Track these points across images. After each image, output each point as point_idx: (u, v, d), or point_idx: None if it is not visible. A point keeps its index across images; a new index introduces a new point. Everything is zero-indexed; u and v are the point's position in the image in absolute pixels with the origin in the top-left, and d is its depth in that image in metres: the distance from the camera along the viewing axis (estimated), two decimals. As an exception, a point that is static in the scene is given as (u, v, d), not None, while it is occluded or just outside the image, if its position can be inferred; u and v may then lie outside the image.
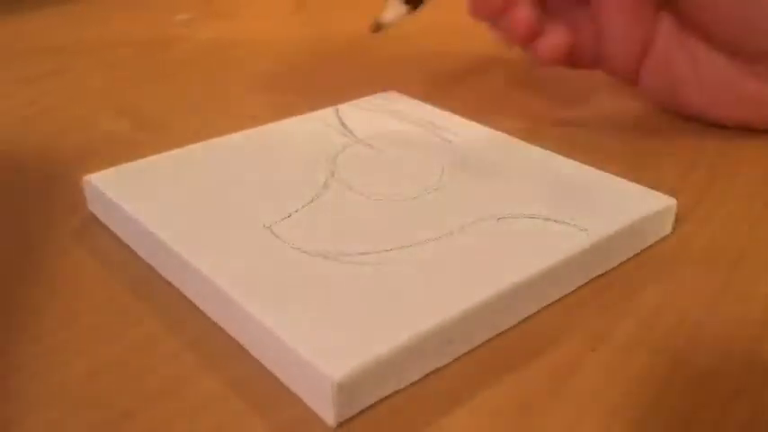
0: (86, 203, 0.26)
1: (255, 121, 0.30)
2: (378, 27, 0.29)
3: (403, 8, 0.29)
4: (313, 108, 0.31)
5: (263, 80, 0.40)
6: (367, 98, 0.33)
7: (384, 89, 0.34)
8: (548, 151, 0.28)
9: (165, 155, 0.27)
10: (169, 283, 0.23)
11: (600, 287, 0.22)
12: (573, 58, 0.32)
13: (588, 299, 0.22)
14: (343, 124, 0.30)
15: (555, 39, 0.30)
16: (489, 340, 0.20)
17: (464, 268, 0.21)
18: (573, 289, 0.22)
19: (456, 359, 0.20)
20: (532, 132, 0.31)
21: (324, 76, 0.40)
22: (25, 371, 0.19)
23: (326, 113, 0.31)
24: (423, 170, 0.27)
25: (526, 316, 0.21)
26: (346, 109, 0.31)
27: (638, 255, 0.24)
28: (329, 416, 0.17)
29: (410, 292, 0.20)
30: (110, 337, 0.21)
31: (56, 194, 0.28)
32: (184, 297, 0.22)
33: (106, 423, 0.18)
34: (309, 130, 0.30)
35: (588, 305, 0.22)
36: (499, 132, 0.30)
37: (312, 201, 0.24)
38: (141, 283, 0.23)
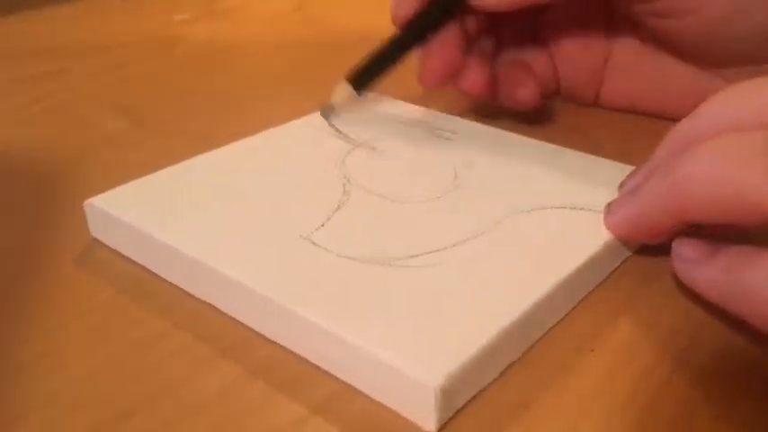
0: (89, 229, 0.25)
1: (256, 121, 0.30)
2: (324, 112, 0.31)
3: (347, 90, 0.30)
4: (313, 108, 0.31)
5: (263, 80, 0.40)
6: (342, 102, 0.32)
7: (384, 89, 0.33)
8: (549, 144, 0.28)
9: (164, 171, 0.26)
10: (174, 285, 0.23)
11: (600, 287, 0.22)
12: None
13: (588, 298, 0.22)
14: (334, 128, 0.30)
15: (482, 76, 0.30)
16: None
17: (520, 260, 0.21)
18: (617, 265, 0.23)
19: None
20: (524, 128, 0.31)
21: (324, 76, 0.40)
22: (25, 371, 0.19)
23: (313, 118, 0.31)
24: (434, 170, 0.27)
25: (584, 296, 0.22)
26: (333, 112, 0.31)
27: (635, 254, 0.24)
28: (430, 422, 0.17)
29: (478, 290, 0.20)
30: (109, 337, 0.21)
31: (56, 195, 0.28)
32: (186, 301, 0.22)
33: (106, 422, 0.18)
34: (304, 136, 0.29)
35: (588, 305, 0.22)
36: (494, 128, 0.30)
37: (339, 208, 0.24)
38: (142, 286, 0.23)
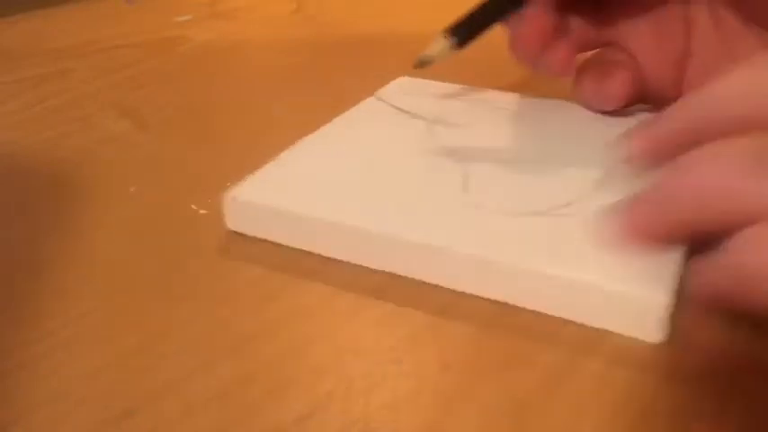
0: (225, 223, 0.25)
1: (258, 121, 0.30)
2: (421, 63, 0.29)
3: (447, 44, 0.29)
4: (314, 108, 0.31)
5: (264, 81, 0.40)
6: (387, 87, 0.32)
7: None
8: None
9: (284, 155, 0.27)
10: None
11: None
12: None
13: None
14: (400, 109, 0.30)
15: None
16: (489, 339, 0.20)
17: None
18: None
19: (457, 358, 0.20)
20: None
21: (324, 76, 0.40)
22: (25, 371, 0.20)
23: (371, 103, 0.31)
24: (520, 138, 0.28)
25: None
26: (386, 96, 0.31)
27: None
28: (657, 335, 0.20)
29: None
30: (111, 336, 0.21)
31: (59, 195, 0.28)
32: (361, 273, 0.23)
33: (107, 422, 0.18)
34: (377, 117, 0.30)
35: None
36: (539, 98, 0.31)
37: (468, 176, 0.25)
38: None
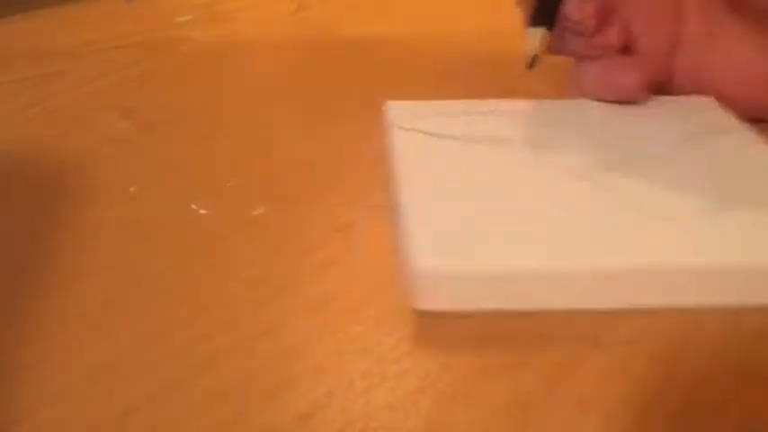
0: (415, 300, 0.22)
1: (258, 122, 0.30)
2: (532, 62, 0.28)
3: (541, 32, 0.28)
4: (314, 108, 0.31)
5: (264, 82, 0.40)
6: (392, 114, 0.30)
7: (385, 88, 0.34)
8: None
9: (411, 218, 0.23)
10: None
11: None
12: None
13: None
14: (446, 136, 0.28)
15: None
16: (489, 339, 0.20)
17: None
18: None
19: (457, 358, 0.20)
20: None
21: (325, 76, 0.40)
22: (25, 371, 0.20)
23: (403, 136, 0.28)
24: (585, 141, 0.27)
25: None
26: (405, 124, 0.29)
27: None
28: None
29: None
30: (110, 336, 0.21)
31: (58, 195, 0.28)
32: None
33: (107, 422, 0.18)
34: (427, 150, 0.27)
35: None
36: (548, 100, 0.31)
37: (594, 187, 0.24)
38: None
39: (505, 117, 0.29)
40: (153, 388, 0.19)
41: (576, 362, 0.20)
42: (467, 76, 0.40)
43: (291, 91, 0.38)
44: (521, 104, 0.30)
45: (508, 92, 0.37)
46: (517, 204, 0.23)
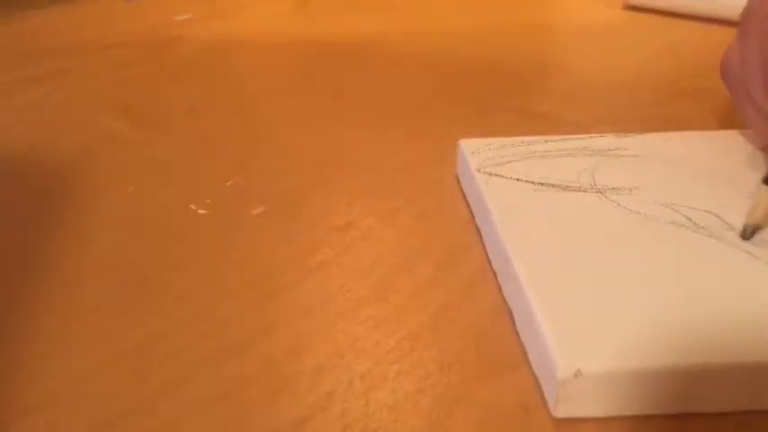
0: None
1: (257, 121, 0.30)
2: (753, 231, 0.22)
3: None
4: (314, 108, 0.31)
5: (263, 80, 0.40)
6: (466, 156, 0.27)
7: (385, 88, 0.34)
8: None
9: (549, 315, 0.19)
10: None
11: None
12: None
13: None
14: (536, 183, 0.25)
15: None
16: (489, 339, 0.20)
17: None
18: None
19: (455, 361, 0.20)
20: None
21: (324, 75, 0.40)
22: (25, 371, 0.20)
23: (492, 185, 0.25)
24: (709, 183, 0.24)
25: None
26: (483, 168, 0.26)
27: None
28: None
29: None
30: (110, 336, 0.21)
31: (58, 194, 0.28)
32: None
33: (107, 422, 0.18)
34: (529, 205, 0.24)
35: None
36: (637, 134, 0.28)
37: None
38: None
39: (605, 157, 0.26)
40: (153, 388, 0.19)
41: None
42: (467, 76, 0.40)
43: (291, 90, 0.38)
44: (622, 141, 0.27)
45: (508, 91, 0.38)
46: (654, 276, 0.20)
